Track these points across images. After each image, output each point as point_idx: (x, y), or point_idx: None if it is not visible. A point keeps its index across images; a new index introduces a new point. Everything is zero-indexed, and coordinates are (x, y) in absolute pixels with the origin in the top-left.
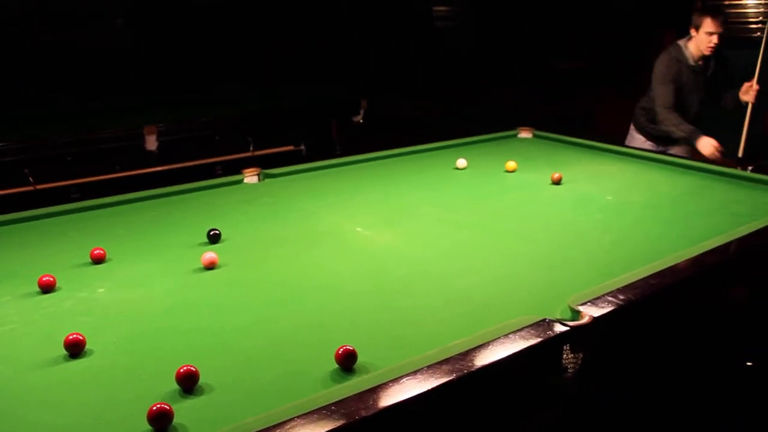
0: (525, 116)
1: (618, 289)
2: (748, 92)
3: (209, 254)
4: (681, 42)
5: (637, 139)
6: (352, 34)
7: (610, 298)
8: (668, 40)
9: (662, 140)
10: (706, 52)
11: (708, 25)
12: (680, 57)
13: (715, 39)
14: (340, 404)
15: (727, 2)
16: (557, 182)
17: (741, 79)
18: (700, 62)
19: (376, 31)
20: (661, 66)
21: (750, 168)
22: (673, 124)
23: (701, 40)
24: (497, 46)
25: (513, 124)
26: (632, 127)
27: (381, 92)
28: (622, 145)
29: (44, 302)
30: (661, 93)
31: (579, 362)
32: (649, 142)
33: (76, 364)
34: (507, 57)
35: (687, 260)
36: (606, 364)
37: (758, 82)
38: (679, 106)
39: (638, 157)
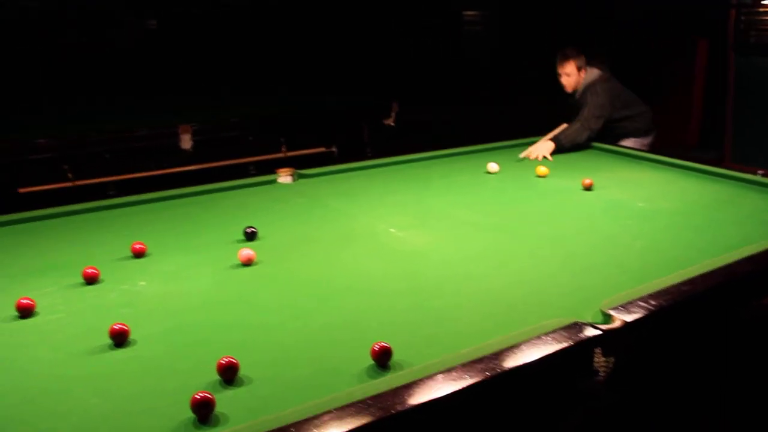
0: (555, 122)
1: (649, 295)
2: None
3: (247, 251)
4: None
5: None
6: (384, 36)
7: (641, 304)
8: (701, 50)
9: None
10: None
11: None
12: None
13: (561, 79)
14: (376, 399)
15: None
16: (588, 188)
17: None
18: (574, 93)
19: (409, 34)
20: None
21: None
22: None
23: None
24: (526, 52)
25: (544, 129)
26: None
27: (413, 95)
28: (654, 152)
29: (88, 293)
30: None
31: (610, 366)
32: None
33: (121, 353)
34: (537, 62)
35: (719, 268)
36: (637, 369)
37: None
38: None
39: (669, 164)
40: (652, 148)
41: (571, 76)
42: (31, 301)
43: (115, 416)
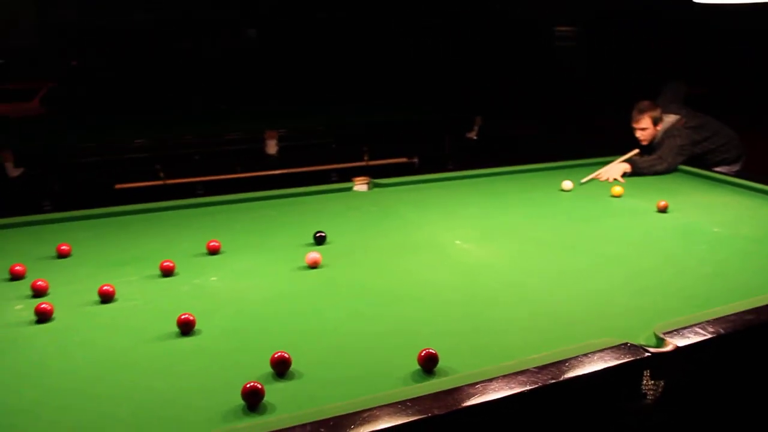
0: (635, 141)
1: (708, 321)
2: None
3: (313, 254)
4: None
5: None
6: (471, 52)
7: (698, 329)
8: None
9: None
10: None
11: None
12: None
13: (636, 133)
14: (416, 401)
15: None
16: (663, 210)
17: None
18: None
19: (497, 50)
20: None
21: None
22: None
23: None
24: (613, 68)
25: (624, 148)
26: None
27: (496, 110)
28: (738, 176)
29: (163, 285)
30: None
31: (659, 390)
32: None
33: (186, 342)
34: (622, 79)
35: None
36: (687, 396)
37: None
38: None
39: (754, 189)
40: (738, 172)
41: (647, 130)
42: (112, 287)
43: (174, 398)
